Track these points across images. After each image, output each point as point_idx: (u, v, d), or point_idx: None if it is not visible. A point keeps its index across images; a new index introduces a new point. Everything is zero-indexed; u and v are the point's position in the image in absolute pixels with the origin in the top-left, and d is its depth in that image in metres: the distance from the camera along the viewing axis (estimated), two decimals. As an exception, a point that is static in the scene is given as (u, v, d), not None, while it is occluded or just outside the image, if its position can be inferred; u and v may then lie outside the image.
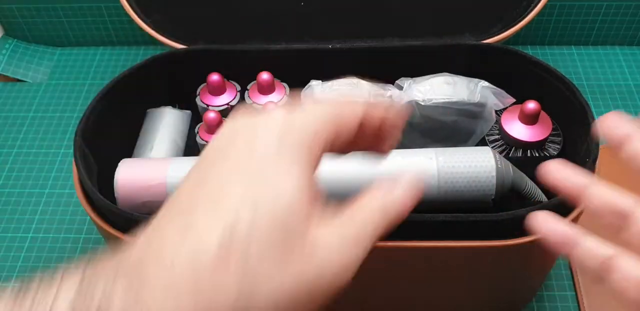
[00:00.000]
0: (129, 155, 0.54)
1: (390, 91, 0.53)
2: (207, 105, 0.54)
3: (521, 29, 0.56)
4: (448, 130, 0.54)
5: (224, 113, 0.54)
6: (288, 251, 0.25)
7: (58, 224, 0.65)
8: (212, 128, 0.51)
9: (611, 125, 0.30)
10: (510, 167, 0.44)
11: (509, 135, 0.51)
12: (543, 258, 0.50)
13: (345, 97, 0.32)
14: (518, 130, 0.51)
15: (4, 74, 0.79)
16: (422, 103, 0.51)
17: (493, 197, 0.43)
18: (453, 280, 0.48)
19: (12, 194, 0.67)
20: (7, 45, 0.81)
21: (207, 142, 0.51)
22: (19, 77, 0.79)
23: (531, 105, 0.50)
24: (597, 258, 0.28)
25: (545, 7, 0.56)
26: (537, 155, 0.51)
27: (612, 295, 0.28)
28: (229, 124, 0.29)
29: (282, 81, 0.55)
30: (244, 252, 0.25)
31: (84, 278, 0.25)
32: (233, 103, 0.54)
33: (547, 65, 0.51)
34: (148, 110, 0.56)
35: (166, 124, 0.55)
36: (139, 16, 0.57)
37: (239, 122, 0.29)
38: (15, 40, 0.83)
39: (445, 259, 0.45)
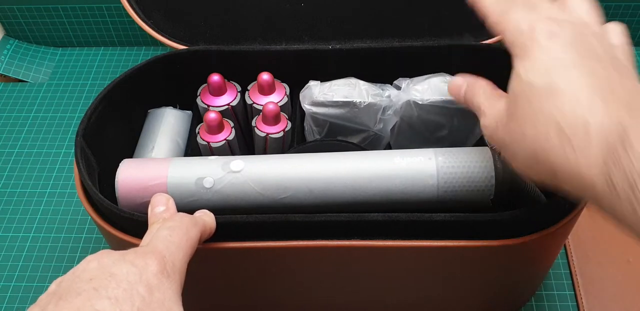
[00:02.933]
0: (130, 155, 0.54)
1: (389, 91, 0.53)
2: (208, 106, 0.54)
3: (520, 29, 0.56)
4: (446, 130, 0.54)
5: (225, 113, 0.54)
6: None
7: (59, 224, 0.65)
8: (213, 128, 0.51)
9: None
10: (509, 167, 0.44)
11: (508, 135, 0.51)
12: (542, 257, 0.50)
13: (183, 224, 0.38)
14: (517, 130, 0.51)
15: (5, 74, 0.80)
16: (420, 103, 0.51)
17: (492, 197, 0.43)
18: (451, 279, 0.48)
19: (12, 194, 0.68)
20: (8, 46, 0.82)
21: (207, 142, 0.52)
22: (19, 78, 0.80)
23: (530, 105, 0.50)
24: None
25: (544, 7, 0.56)
26: (536, 155, 0.51)
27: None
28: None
29: (282, 81, 0.55)
30: None
31: None
32: (234, 103, 0.54)
33: (546, 65, 0.51)
34: (149, 111, 0.57)
35: (167, 124, 0.55)
36: (139, 17, 0.57)
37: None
38: (16, 40, 0.83)
39: (443, 259, 0.45)
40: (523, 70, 0.34)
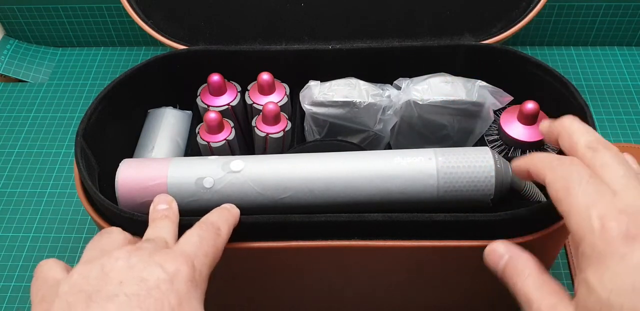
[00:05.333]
0: (130, 155, 0.54)
1: (389, 91, 0.53)
2: (208, 106, 0.54)
3: (520, 29, 0.56)
4: (446, 130, 0.54)
5: (225, 113, 0.54)
6: None
7: (59, 224, 0.65)
8: (213, 128, 0.51)
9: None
10: (509, 167, 0.44)
11: (508, 135, 0.51)
12: (542, 257, 0.50)
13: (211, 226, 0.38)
14: (517, 130, 0.51)
15: (5, 74, 0.80)
16: (420, 103, 0.51)
17: (492, 197, 0.43)
18: (451, 279, 0.48)
19: (12, 194, 0.67)
20: (8, 46, 0.82)
21: (207, 142, 0.52)
22: (20, 78, 0.80)
23: (530, 105, 0.50)
24: None
25: (544, 7, 0.56)
26: (536, 155, 0.51)
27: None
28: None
29: (282, 81, 0.55)
30: None
31: None
32: (233, 103, 0.54)
33: (546, 65, 0.51)
34: (149, 111, 0.57)
35: (167, 124, 0.55)
36: (139, 17, 0.57)
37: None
38: (16, 40, 0.83)
39: (443, 259, 0.45)
40: (599, 284, 0.29)
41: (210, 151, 0.52)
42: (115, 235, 0.38)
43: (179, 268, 0.33)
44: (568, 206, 0.32)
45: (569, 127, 0.36)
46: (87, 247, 0.37)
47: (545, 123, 0.38)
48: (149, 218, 0.41)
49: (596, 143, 0.34)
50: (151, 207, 0.41)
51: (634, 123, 0.71)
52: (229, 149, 0.53)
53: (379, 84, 0.54)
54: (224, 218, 0.40)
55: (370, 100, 0.52)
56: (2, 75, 0.80)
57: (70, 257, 0.62)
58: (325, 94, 0.52)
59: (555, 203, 0.33)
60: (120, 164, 0.45)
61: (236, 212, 0.42)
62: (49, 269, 0.35)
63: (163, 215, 0.40)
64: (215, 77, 0.53)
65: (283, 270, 0.47)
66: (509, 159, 0.46)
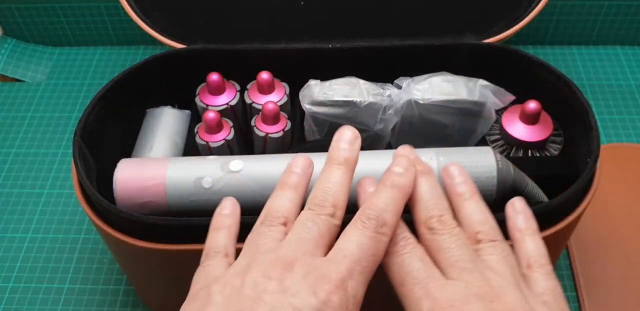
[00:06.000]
0: (128, 155, 0.53)
1: (389, 90, 0.53)
2: (207, 105, 0.54)
3: (522, 28, 0.56)
4: (448, 130, 0.53)
5: (224, 113, 0.53)
6: None
7: (57, 224, 0.64)
8: (212, 128, 0.51)
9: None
10: (511, 167, 0.44)
11: (509, 135, 0.51)
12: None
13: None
14: (519, 130, 0.50)
15: (3, 73, 0.79)
16: (421, 102, 0.51)
17: (494, 197, 0.43)
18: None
19: (11, 194, 0.67)
20: (6, 45, 0.81)
21: (206, 142, 0.51)
22: (18, 77, 0.79)
23: (532, 105, 0.49)
24: None
25: (546, 6, 0.56)
26: (538, 155, 0.51)
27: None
28: None
29: (281, 81, 0.55)
30: None
31: None
32: (232, 103, 0.54)
33: (548, 64, 0.51)
34: (147, 110, 0.56)
35: (166, 124, 0.54)
36: (138, 16, 0.57)
37: None
38: (14, 40, 0.82)
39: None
40: None
41: (209, 151, 0.52)
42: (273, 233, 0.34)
43: (330, 298, 0.30)
44: (402, 296, 0.33)
45: (417, 192, 0.35)
46: (245, 246, 0.34)
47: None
48: (210, 225, 0.37)
49: (436, 221, 0.34)
50: (215, 212, 0.38)
51: (636, 122, 0.71)
52: (228, 149, 0.52)
53: (379, 83, 0.53)
54: (393, 205, 0.34)
55: (371, 99, 0.51)
56: (0, 74, 0.79)
57: (68, 258, 0.61)
58: (326, 93, 0.52)
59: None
60: (118, 164, 0.45)
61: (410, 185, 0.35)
62: (218, 265, 0.34)
63: (224, 226, 0.36)
64: (214, 76, 0.53)
65: (283, 271, 0.46)
66: (511, 159, 0.46)
